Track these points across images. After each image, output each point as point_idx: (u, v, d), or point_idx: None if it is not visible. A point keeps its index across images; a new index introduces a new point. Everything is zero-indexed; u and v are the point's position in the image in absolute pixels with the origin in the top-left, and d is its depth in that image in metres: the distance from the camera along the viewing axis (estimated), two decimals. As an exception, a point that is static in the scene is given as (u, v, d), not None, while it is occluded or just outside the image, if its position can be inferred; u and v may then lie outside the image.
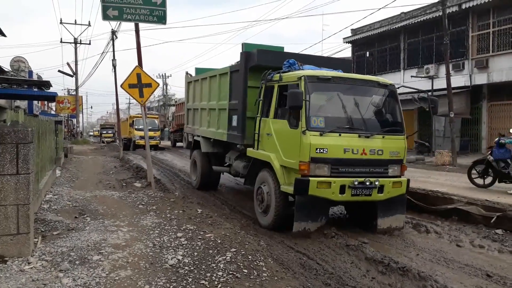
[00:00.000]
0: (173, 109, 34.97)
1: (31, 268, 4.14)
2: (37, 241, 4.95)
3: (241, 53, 7.96)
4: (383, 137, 6.32)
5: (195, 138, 10.55)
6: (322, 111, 6.23)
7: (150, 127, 26.74)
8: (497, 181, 8.96)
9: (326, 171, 5.94)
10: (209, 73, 9.79)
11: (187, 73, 11.77)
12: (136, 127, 27.31)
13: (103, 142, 41.97)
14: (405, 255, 5.60)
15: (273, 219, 6.51)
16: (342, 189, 5.95)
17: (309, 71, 6.45)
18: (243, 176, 8.21)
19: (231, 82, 8.38)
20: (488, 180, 9.16)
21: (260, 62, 7.43)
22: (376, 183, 6.06)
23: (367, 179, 6.01)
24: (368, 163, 6.16)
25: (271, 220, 6.57)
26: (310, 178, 5.83)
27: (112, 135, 45.88)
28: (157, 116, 33.94)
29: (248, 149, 7.50)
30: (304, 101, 5.82)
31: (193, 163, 10.75)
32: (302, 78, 6.11)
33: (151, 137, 26.06)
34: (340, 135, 6.01)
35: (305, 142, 5.84)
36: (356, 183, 5.94)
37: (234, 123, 8.03)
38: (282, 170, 6.34)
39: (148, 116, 33.32)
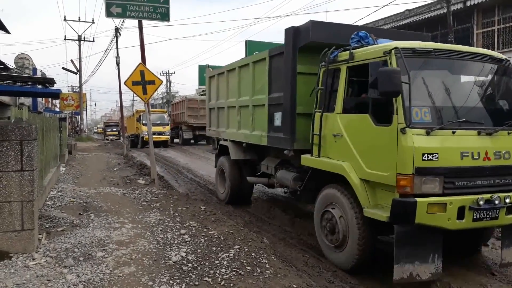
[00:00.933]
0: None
1: (36, 264, 4.17)
2: (42, 238, 4.98)
3: (286, 30, 6.03)
4: (508, 133, 4.48)
5: (222, 142, 8.77)
6: (424, 99, 4.40)
7: (158, 122, 25.86)
8: None
9: (438, 187, 4.09)
10: (237, 63, 8.07)
11: (207, 66, 10.15)
12: (144, 122, 24.76)
13: (107, 140, 41.26)
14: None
15: (356, 258, 4.62)
16: (461, 213, 4.11)
17: (402, 42, 4.58)
18: (292, 190, 6.42)
19: (270, 70, 6.63)
20: None
21: (316, 38, 5.51)
22: (507, 200, 4.26)
23: (495, 195, 4.20)
24: (494, 172, 4.32)
25: (351, 259, 4.67)
26: (418, 199, 3.98)
27: (117, 132, 44.72)
28: (165, 110, 32.20)
29: (303, 156, 5.62)
30: (402, 84, 4.00)
31: (220, 173, 8.91)
32: (393, 51, 4.26)
33: (160, 132, 25.24)
34: (453, 133, 4.20)
35: (405, 145, 4.03)
36: (481, 202, 4.11)
37: (277, 122, 6.38)
38: (363, 186, 4.51)
39: (155, 110, 32.22)
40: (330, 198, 5.04)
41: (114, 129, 46.81)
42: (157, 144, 25.09)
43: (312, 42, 5.56)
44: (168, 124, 27.27)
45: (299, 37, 5.77)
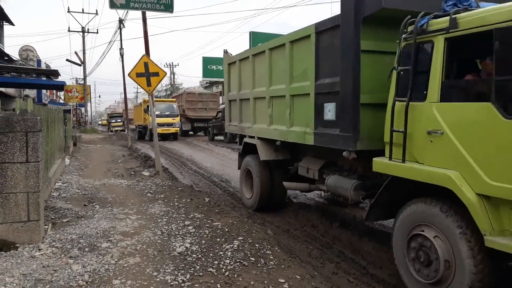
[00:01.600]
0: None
1: (42, 254, 4.21)
2: (47, 228, 5.02)
3: None
4: None
5: (247, 140, 7.51)
6: None
7: (167, 112, 25.04)
8: None
9: None
10: (268, 44, 6.63)
11: (225, 52, 8.79)
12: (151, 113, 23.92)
13: (111, 132, 40.82)
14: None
15: None
16: None
17: None
18: (354, 201, 5.03)
19: (318, 50, 5.24)
20: None
21: (390, 3, 4.15)
22: None
23: None
24: None
25: None
26: None
27: (121, 123, 43.04)
28: (174, 99, 29.20)
29: (377, 160, 4.22)
30: None
31: (246, 174, 7.56)
32: None
33: (169, 124, 24.65)
34: None
35: None
36: None
37: (330, 115, 5.05)
38: (482, 204, 3.23)
39: (164, 100, 30.69)
40: (422, 217, 3.67)
41: (118, 120, 45.40)
42: (166, 137, 24.52)
43: (384, 10, 4.19)
44: (177, 115, 25.65)
45: (363, 4, 4.40)
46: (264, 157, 6.73)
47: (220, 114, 22.22)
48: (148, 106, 21.29)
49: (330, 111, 5.07)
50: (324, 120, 5.16)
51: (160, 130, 20.96)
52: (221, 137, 23.58)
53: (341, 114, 4.76)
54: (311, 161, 6.08)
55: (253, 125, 7.30)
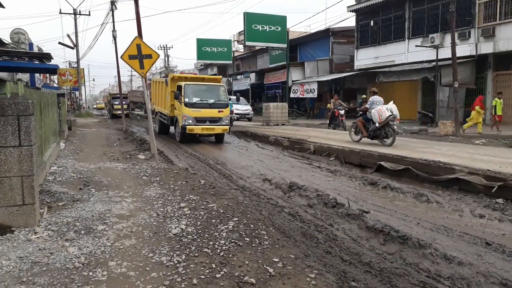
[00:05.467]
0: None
1: (38, 237, 4.23)
2: (43, 212, 5.04)
3: None
4: None
5: None
6: None
7: (210, 100, 14.88)
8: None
9: None
10: None
11: None
12: (187, 100, 14.36)
13: (114, 116, 33.75)
14: (405, 224, 5.67)
15: None
16: None
17: None
18: None
19: None
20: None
21: None
22: None
23: None
24: None
25: None
26: None
27: (126, 106, 34.11)
28: (220, 77, 17.48)
29: None
30: None
31: None
32: None
33: (213, 120, 14.68)
34: None
35: None
36: None
37: None
38: None
39: (199, 77, 18.09)
40: None
41: (124, 103, 35.06)
42: (207, 137, 16.30)
43: None
44: (227, 106, 15.25)
45: None
46: None
47: None
48: (180, 87, 14.72)
49: None
50: None
51: (199, 129, 14.37)
52: None
53: None
54: None
55: None
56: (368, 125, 11.99)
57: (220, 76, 17.86)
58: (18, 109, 4.42)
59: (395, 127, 11.52)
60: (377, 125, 11.52)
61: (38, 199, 4.90)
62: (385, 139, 11.63)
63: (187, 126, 14.22)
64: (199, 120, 14.37)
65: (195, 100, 14.42)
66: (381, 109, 11.40)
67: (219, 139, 15.57)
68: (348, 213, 5.81)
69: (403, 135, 15.21)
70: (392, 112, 11.24)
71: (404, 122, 20.43)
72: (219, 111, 14.75)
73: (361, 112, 12.44)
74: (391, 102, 11.69)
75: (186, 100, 14.31)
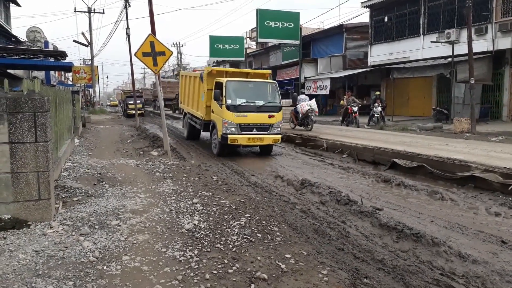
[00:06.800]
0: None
1: (53, 232, 4.30)
2: (58, 207, 5.12)
3: None
4: None
5: None
6: None
7: (259, 102, 11.22)
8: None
9: None
10: None
11: None
12: (230, 101, 10.97)
13: (128, 116, 30.96)
14: (419, 222, 5.61)
15: None
16: None
17: None
18: None
19: None
20: None
21: None
22: None
23: None
24: None
25: None
26: None
27: (141, 105, 32.17)
28: (268, 71, 13.60)
29: None
30: None
31: None
32: None
33: (261, 127, 11.14)
34: None
35: None
36: None
37: None
38: None
39: (244, 71, 13.43)
40: None
41: (138, 102, 28.29)
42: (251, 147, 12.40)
43: None
44: (280, 109, 11.64)
45: None
46: None
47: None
48: (220, 85, 11.31)
49: None
50: None
51: (244, 139, 10.89)
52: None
53: None
54: None
55: None
56: (298, 116, 16.16)
57: (269, 71, 13.73)
58: (35, 105, 4.49)
59: (313, 117, 15.76)
60: (300, 115, 15.79)
61: (54, 194, 4.98)
62: (308, 126, 15.56)
63: (229, 136, 10.73)
64: (245, 128, 10.90)
65: (239, 101, 10.99)
66: (303, 104, 15.55)
67: (266, 150, 11.89)
68: (361, 210, 5.78)
69: (417, 132, 15.04)
70: (311, 107, 15.30)
71: (419, 119, 20.19)
72: (269, 116, 11.22)
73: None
74: (313, 99, 16.14)
75: (229, 101, 10.86)
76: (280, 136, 11.56)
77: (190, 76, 15.13)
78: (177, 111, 33.25)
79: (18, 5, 30.59)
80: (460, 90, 18.37)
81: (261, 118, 11.10)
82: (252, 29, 46.28)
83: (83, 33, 32.81)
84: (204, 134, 14.09)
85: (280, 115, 11.50)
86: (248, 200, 5.62)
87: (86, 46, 33.01)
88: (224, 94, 10.90)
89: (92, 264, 3.55)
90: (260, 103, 11.19)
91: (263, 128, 11.14)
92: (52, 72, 34.04)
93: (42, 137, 4.55)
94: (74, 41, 32.32)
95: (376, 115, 18.54)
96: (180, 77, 17.08)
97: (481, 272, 4.01)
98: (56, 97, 7.80)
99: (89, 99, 48.93)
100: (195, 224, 4.60)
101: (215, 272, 3.45)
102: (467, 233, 5.19)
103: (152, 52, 9.39)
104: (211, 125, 12.00)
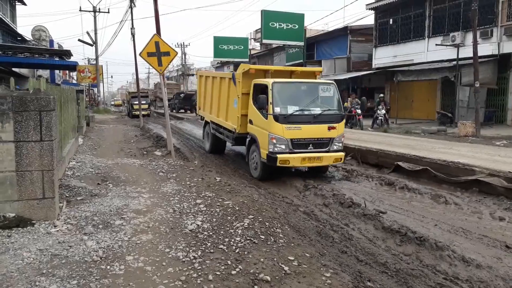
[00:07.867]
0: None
1: (57, 231, 4.32)
2: (62, 206, 5.13)
3: None
4: None
5: None
6: None
7: (315, 110, 8.41)
8: None
9: None
10: None
11: None
12: (278, 110, 8.11)
13: (133, 116, 29.24)
14: (423, 226, 5.59)
15: None
16: None
17: None
18: None
19: None
20: None
21: None
22: None
23: None
24: None
25: None
26: None
27: (147, 106, 31.65)
28: (319, 69, 10.89)
29: None
30: None
31: None
32: None
33: (318, 143, 8.41)
34: None
35: None
36: None
37: None
38: None
39: (297, 69, 9.91)
40: None
41: (143, 102, 29.07)
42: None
43: None
44: (342, 118, 8.73)
45: None
46: None
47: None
48: (264, 88, 8.53)
49: None
50: None
51: (298, 159, 8.14)
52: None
53: None
54: None
55: None
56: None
57: (320, 68, 11.60)
58: (40, 104, 4.51)
59: None
60: None
61: (58, 193, 5.00)
62: None
63: (278, 156, 7.97)
64: (298, 145, 8.20)
65: (291, 110, 8.25)
66: None
67: (319, 170, 9.19)
68: (364, 213, 5.76)
69: (421, 135, 14.99)
70: None
71: (423, 122, 20.12)
72: (329, 128, 8.40)
73: None
74: None
75: (277, 110, 8.15)
76: (343, 154, 8.62)
77: (215, 76, 12.03)
78: (173, 110, 34.69)
79: (24, 3, 30.76)
80: (464, 94, 18.31)
81: (319, 130, 8.31)
82: (256, 30, 46.28)
83: (88, 33, 32.89)
84: (229, 146, 11.46)
85: (342, 126, 8.63)
86: (251, 201, 5.62)
87: (91, 45, 33.10)
88: (270, 100, 8.20)
89: (96, 264, 3.56)
90: (317, 111, 8.38)
91: (321, 144, 8.35)
92: (57, 71, 34.21)
93: (47, 136, 4.57)
94: (79, 40, 32.41)
95: (380, 117, 18.51)
96: (199, 77, 14.02)
97: (485, 277, 3.99)
98: (61, 96, 7.83)
99: (94, 99, 49.10)
100: (198, 225, 4.61)
101: (218, 273, 3.45)
102: (471, 237, 5.17)
103: (157, 52, 9.41)
104: (248, 139, 9.17)
